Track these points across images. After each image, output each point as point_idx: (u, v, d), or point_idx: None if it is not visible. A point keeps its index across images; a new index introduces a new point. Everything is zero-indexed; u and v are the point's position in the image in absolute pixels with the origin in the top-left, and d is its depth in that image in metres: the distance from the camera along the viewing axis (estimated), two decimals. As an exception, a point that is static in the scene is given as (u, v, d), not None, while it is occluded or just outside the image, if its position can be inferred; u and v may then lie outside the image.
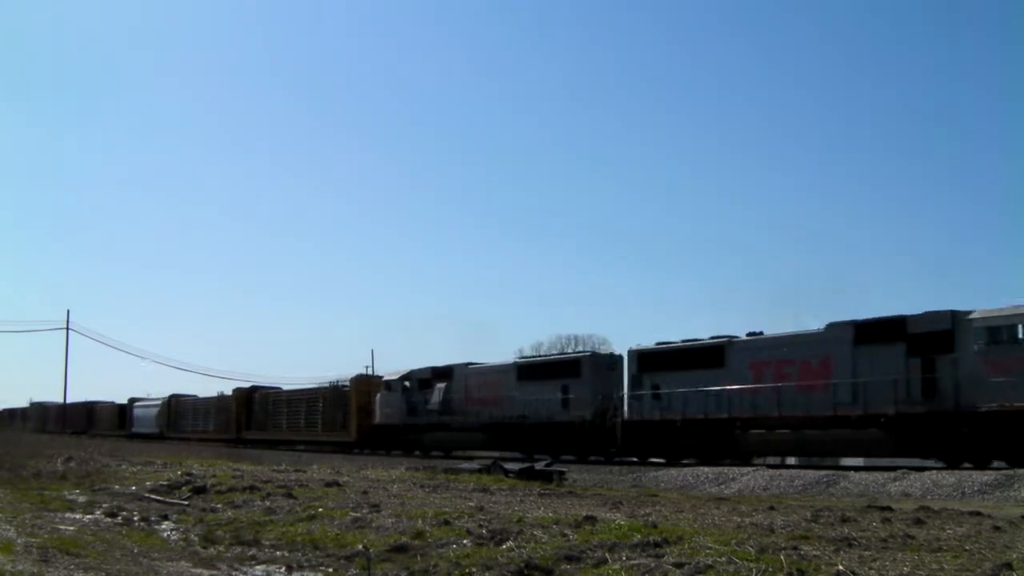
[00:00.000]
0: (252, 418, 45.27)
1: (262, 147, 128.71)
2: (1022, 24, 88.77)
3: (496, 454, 26.88)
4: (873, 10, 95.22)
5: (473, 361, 32.05)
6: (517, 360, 29.75)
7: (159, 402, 56.75)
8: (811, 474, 17.46)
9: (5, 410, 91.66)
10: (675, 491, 16.50)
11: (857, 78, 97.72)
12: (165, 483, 16.43)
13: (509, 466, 19.58)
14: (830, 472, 17.77)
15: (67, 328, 71.45)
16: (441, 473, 19.10)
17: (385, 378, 35.26)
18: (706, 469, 19.47)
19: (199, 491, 15.08)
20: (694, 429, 22.30)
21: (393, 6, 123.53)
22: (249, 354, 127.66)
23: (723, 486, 17.41)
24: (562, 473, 18.82)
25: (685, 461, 22.15)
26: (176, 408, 54.80)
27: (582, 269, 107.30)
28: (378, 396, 34.73)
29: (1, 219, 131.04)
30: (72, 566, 7.75)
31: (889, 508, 11.10)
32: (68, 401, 72.80)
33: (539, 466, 19.72)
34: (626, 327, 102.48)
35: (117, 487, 16.66)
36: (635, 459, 24.40)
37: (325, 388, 40.28)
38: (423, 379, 32.92)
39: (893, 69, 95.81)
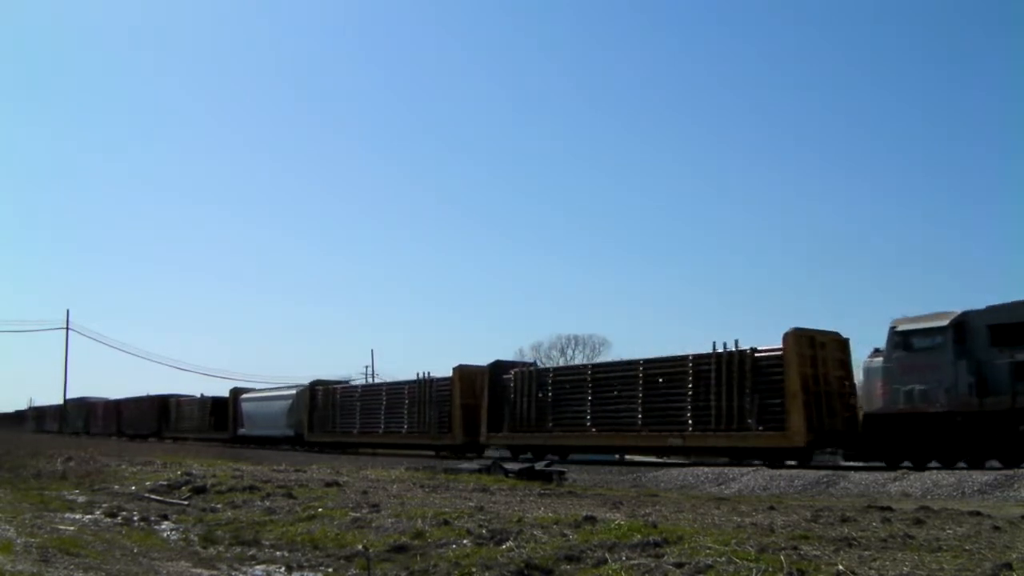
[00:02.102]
0: (507, 412, 27.05)
1: (262, 147, 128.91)
2: (1022, 24, 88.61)
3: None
4: (873, 10, 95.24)
5: None
6: None
7: (291, 393, 40.12)
8: (811, 474, 17.45)
9: (31, 409, 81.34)
10: (675, 491, 16.49)
11: (857, 78, 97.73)
12: (165, 483, 16.43)
13: (509, 466, 19.58)
14: (830, 472, 17.76)
15: (67, 328, 71.38)
16: (441, 473, 19.11)
17: (899, 328, 18.58)
18: (706, 469, 19.46)
19: (199, 491, 15.08)
20: None
21: (393, 6, 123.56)
22: (249, 354, 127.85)
23: (723, 486, 17.40)
24: (562, 473, 18.82)
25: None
26: (326, 400, 37.01)
27: (582, 269, 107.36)
28: (872, 364, 18.94)
29: (1, 219, 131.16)
30: (72, 566, 7.75)
31: (889, 508, 11.09)
32: (126, 396, 59.56)
33: (539, 466, 19.72)
34: (626, 327, 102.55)
35: (117, 487, 16.67)
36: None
37: (704, 356, 21.72)
38: None
39: (893, 69, 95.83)
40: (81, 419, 63.98)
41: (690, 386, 21.96)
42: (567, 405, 25.54)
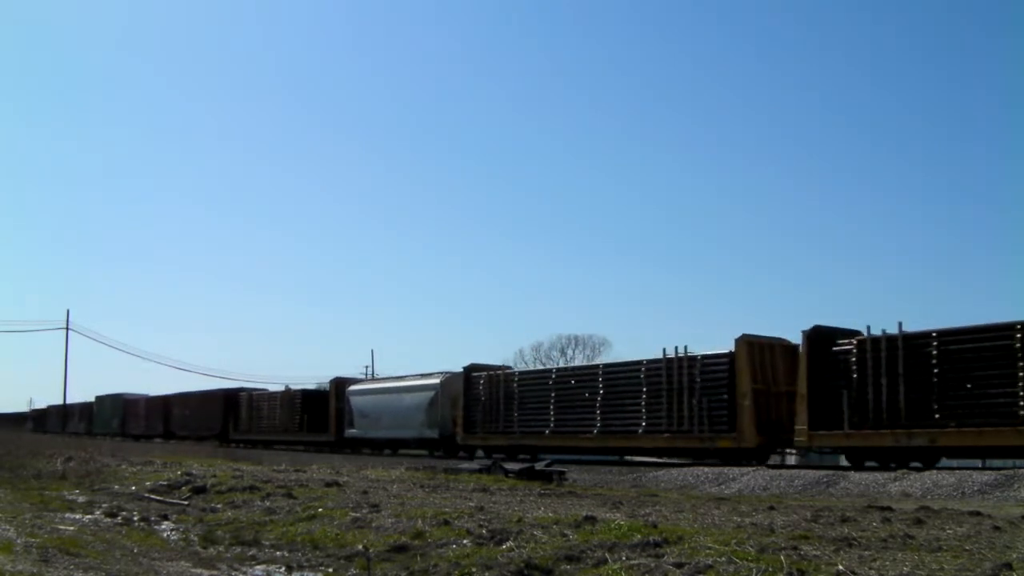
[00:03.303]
0: (845, 400, 18.54)
1: (262, 147, 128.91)
2: (1022, 24, 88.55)
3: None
4: (873, 10, 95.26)
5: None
6: None
7: (432, 382, 31.03)
8: (811, 474, 17.44)
9: (52, 407, 72.51)
10: (675, 491, 16.49)
11: (857, 78, 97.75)
12: (165, 483, 16.44)
13: (509, 466, 19.57)
14: (830, 472, 17.75)
15: (67, 328, 71.25)
16: (441, 473, 19.10)
17: None
18: (706, 469, 19.45)
19: (199, 491, 15.09)
20: None
21: (392, 6, 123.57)
22: (248, 354, 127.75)
23: (723, 486, 17.40)
24: (562, 473, 18.82)
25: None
26: (492, 390, 27.22)
27: (582, 269, 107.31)
28: None
29: (1, 219, 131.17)
30: (72, 566, 7.74)
31: (889, 508, 11.09)
32: (174, 391, 51.72)
33: (539, 466, 19.71)
34: (626, 327, 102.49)
35: (117, 487, 16.68)
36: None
37: None
38: None
39: (893, 69, 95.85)
40: (116, 418, 55.77)
41: None
42: (973, 386, 16.85)
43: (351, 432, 34.29)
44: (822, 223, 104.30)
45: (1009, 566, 6.44)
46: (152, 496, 14.95)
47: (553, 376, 26.35)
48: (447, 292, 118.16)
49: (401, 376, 35.10)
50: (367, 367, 67.94)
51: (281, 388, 41.10)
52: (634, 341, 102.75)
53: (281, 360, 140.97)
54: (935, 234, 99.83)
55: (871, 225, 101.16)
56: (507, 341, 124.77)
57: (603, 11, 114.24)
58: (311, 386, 42.81)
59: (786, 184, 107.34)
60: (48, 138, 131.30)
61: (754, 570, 6.48)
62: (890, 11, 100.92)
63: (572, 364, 27.37)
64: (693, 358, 21.94)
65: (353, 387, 35.82)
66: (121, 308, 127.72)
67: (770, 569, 6.45)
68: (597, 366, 25.70)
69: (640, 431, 22.61)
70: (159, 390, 56.04)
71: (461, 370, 29.30)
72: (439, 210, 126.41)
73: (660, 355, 22.60)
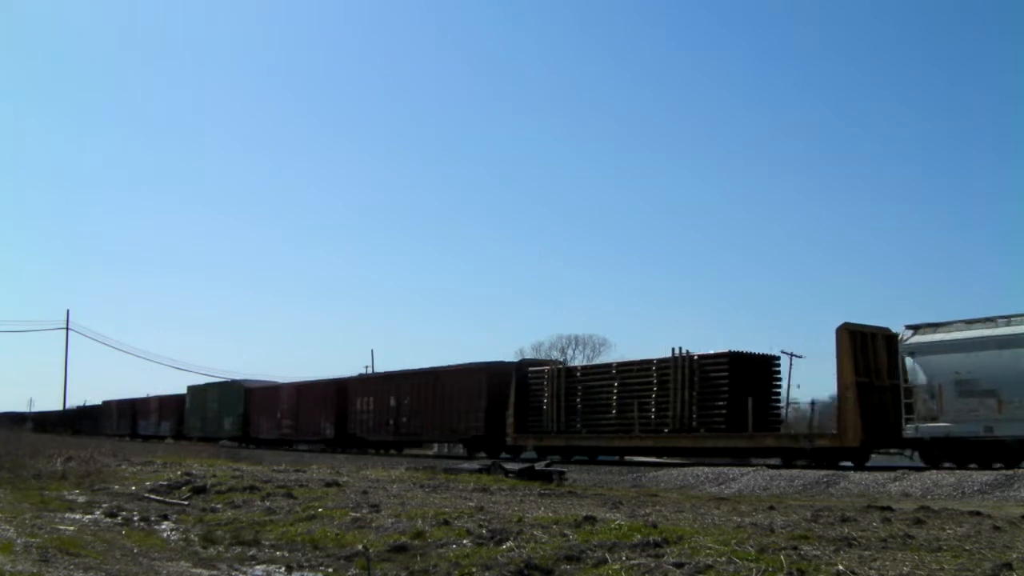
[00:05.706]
0: None
1: (262, 147, 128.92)
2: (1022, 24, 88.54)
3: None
4: (873, 10, 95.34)
5: None
6: None
7: None
8: (811, 474, 17.46)
9: (109, 403, 58.40)
10: (675, 491, 16.50)
11: (857, 78, 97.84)
12: (165, 483, 16.44)
13: (509, 466, 19.57)
14: (830, 472, 17.76)
15: (67, 328, 71.14)
16: (441, 473, 19.11)
17: None
18: (706, 469, 19.46)
19: (199, 491, 15.09)
20: None
21: (391, 6, 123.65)
22: (248, 354, 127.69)
23: (723, 486, 17.41)
24: (562, 473, 18.82)
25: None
26: None
27: (582, 269, 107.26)
28: None
29: (1, 219, 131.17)
30: (72, 566, 7.75)
31: (889, 508, 11.10)
32: (358, 371, 36.51)
33: (539, 466, 19.71)
34: (626, 327, 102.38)
35: (117, 487, 16.68)
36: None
37: None
38: None
39: (893, 70, 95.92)
40: (232, 417, 39.50)
41: None
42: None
43: (928, 429, 17.33)
44: (823, 223, 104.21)
45: (1009, 566, 6.45)
46: (152, 496, 14.96)
47: None
48: (447, 292, 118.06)
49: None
50: (367, 367, 67.57)
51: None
52: (634, 341, 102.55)
53: (281, 360, 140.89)
54: (935, 234, 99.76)
55: (871, 225, 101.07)
56: (507, 341, 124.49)
57: (603, 11, 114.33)
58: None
59: (786, 184, 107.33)
60: (48, 138, 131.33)
61: (754, 570, 6.48)
62: (890, 11, 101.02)
63: None
64: None
65: (926, 336, 17.67)
66: (121, 308, 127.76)
67: (770, 569, 6.45)
68: None
69: None
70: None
71: None
72: (439, 210, 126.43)
73: None
